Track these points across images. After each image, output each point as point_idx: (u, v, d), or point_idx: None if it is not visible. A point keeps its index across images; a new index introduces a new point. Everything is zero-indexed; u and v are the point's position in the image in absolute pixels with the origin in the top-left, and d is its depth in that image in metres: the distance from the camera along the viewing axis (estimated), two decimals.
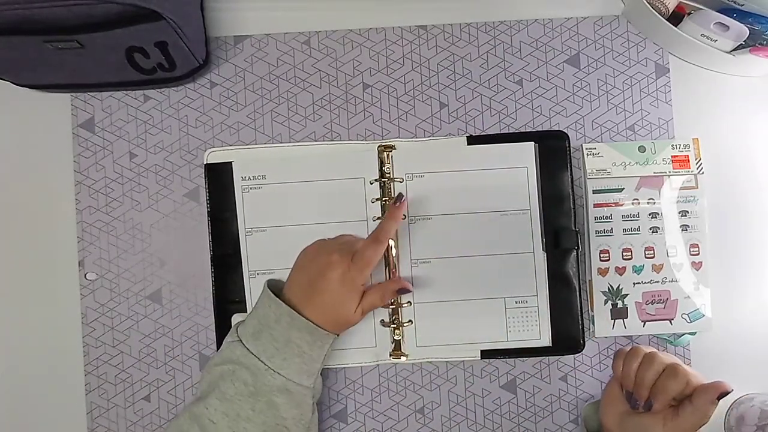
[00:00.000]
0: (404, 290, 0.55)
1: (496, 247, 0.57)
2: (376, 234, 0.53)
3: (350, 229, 0.57)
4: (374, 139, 0.60)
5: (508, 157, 0.58)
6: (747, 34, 0.56)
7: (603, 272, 0.58)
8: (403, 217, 0.57)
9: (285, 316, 0.49)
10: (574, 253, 0.58)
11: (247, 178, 0.57)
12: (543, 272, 0.57)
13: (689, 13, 0.58)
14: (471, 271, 0.57)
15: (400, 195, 0.55)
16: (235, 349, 0.50)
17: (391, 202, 0.55)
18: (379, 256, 0.52)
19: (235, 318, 0.58)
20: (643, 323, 0.57)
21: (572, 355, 0.58)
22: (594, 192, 0.58)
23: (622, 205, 0.58)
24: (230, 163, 0.58)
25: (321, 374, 0.53)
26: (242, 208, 0.57)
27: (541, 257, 0.57)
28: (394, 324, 0.57)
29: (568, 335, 0.57)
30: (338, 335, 0.52)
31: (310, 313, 0.50)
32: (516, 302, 0.57)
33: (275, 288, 0.52)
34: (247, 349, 0.49)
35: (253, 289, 0.57)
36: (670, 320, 0.57)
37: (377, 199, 0.57)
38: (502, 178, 0.57)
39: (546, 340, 0.57)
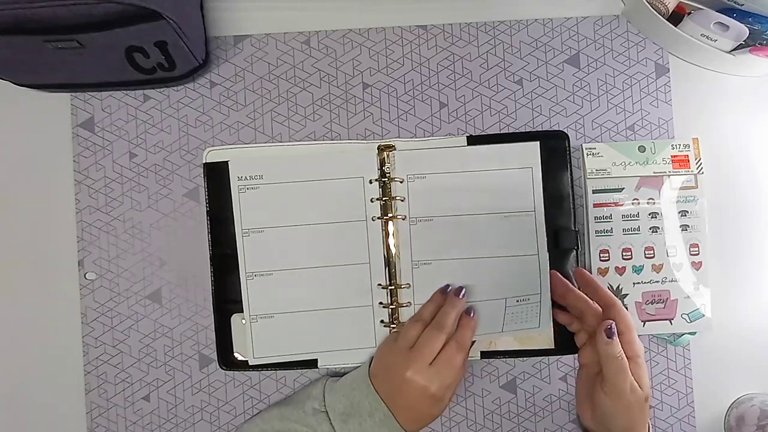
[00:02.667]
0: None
1: (499, 249, 0.57)
2: (460, 342, 0.52)
3: (349, 229, 0.57)
4: (374, 139, 0.60)
5: (513, 157, 0.57)
6: (747, 34, 0.56)
7: (603, 272, 0.58)
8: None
9: (380, 414, 0.50)
10: (574, 253, 0.58)
11: (243, 178, 0.57)
12: (547, 273, 0.56)
13: (689, 13, 0.58)
14: (472, 274, 0.57)
15: (463, 289, 0.55)
16: (321, 423, 0.51)
17: (451, 293, 0.55)
18: (464, 358, 0.52)
19: (235, 318, 0.58)
20: (643, 323, 0.57)
21: (572, 355, 0.58)
22: (594, 192, 0.58)
23: (621, 205, 0.58)
24: (228, 162, 0.58)
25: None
26: (239, 209, 0.57)
27: (546, 259, 0.56)
28: (393, 324, 0.57)
29: (568, 335, 0.57)
30: None
31: (399, 416, 0.50)
32: (517, 301, 0.57)
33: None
34: (333, 428, 0.50)
35: (251, 292, 0.57)
36: (670, 320, 0.57)
37: (377, 199, 0.57)
38: (505, 178, 0.57)
39: (545, 328, 0.56)
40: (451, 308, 0.53)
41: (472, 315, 0.54)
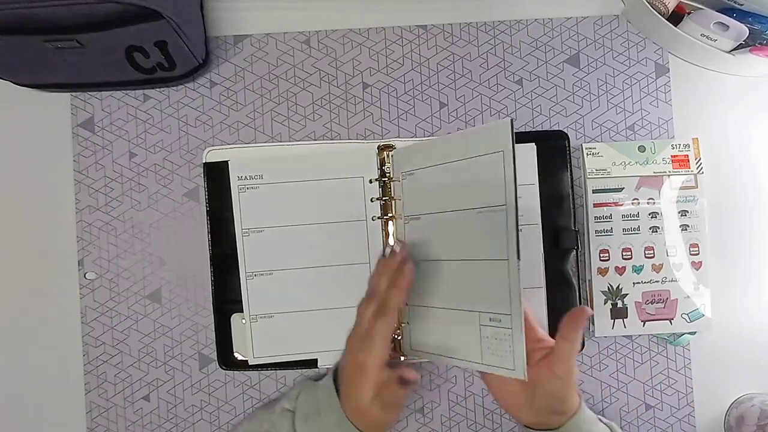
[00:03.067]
0: (406, 381, 0.49)
1: (469, 250, 0.49)
2: (383, 305, 0.48)
3: (349, 229, 0.57)
4: (374, 139, 0.60)
5: (483, 141, 0.48)
6: (747, 34, 0.56)
7: (603, 272, 0.58)
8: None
9: (335, 413, 0.48)
10: (574, 252, 0.58)
11: (243, 178, 0.57)
12: (517, 285, 0.45)
13: (689, 13, 0.58)
14: (446, 278, 0.51)
15: (406, 259, 0.49)
16: (284, 422, 0.50)
17: (393, 268, 0.49)
18: (390, 331, 0.47)
19: (235, 318, 0.58)
20: (642, 323, 0.57)
21: None
22: (594, 192, 0.58)
23: (621, 204, 0.58)
24: (228, 162, 0.58)
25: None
26: (238, 209, 0.57)
27: (516, 266, 0.45)
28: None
29: None
30: None
31: (350, 410, 0.48)
32: (490, 319, 0.48)
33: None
34: (294, 428, 0.49)
35: (251, 292, 0.57)
36: (670, 320, 0.57)
37: (376, 199, 0.57)
38: (476, 167, 0.49)
39: (520, 373, 0.45)
40: (378, 274, 0.50)
41: (405, 269, 0.48)
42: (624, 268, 0.58)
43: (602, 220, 0.58)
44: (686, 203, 0.58)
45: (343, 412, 0.48)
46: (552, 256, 0.57)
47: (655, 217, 0.58)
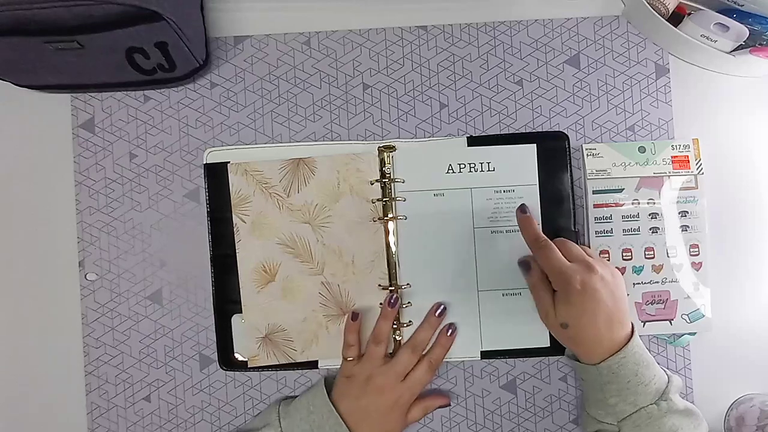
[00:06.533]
0: (446, 405, 0.57)
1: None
2: (433, 362, 0.55)
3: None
4: (374, 140, 0.60)
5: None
6: (747, 35, 0.56)
7: None
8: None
9: None
10: None
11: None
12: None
13: (689, 14, 0.58)
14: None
15: (441, 307, 0.57)
16: None
17: (431, 312, 0.57)
18: (432, 378, 0.56)
19: (235, 319, 0.58)
20: (643, 323, 0.57)
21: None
22: (594, 192, 0.58)
23: (622, 205, 0.58)
24: (228, 163, 0.58)
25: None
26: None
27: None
28: (394, 324, 0.57)
29: None
30: None
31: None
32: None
33: (327, 387, 0.55)
34: None
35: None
36: (670, 320, 0.58)
37: (378, 200, 0.57)
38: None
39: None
40: (422, 329, 0.56)
41: (449, 334, 0.56)
42: (624, 268, 0.58)
43: (602, 220, 0.58)
44: (686, 204, 0.58)
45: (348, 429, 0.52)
46: None
47: (656, 217, 0.58)
